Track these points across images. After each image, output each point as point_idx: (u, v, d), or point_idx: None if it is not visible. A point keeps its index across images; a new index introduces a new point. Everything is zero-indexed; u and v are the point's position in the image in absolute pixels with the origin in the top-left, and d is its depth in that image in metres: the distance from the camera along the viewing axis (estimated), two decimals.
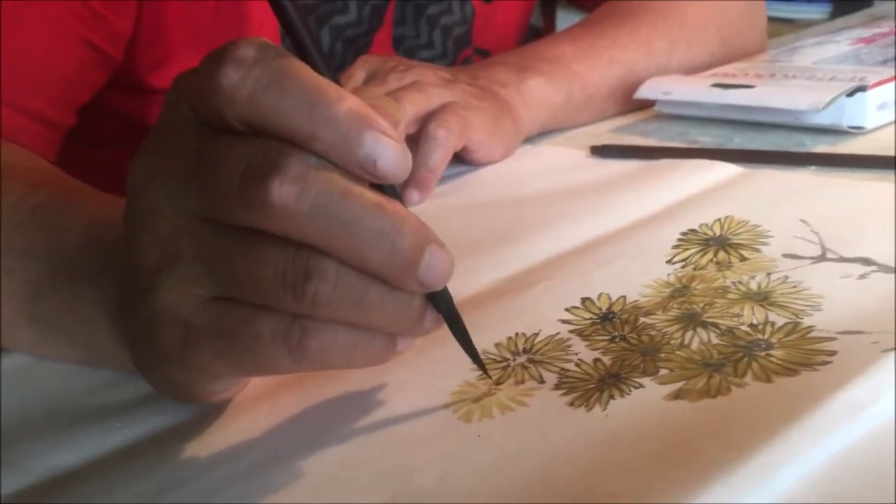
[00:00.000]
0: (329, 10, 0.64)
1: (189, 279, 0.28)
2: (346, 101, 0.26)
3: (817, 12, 1.36)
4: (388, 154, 0.26)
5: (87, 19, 0.54)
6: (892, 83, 0.56)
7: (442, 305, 0.30)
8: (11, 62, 0.52)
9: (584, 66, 0.64)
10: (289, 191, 0.25)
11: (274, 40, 0.68)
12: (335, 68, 0.31)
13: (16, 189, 0.40)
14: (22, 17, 0.52)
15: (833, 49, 0.67)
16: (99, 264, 0.35)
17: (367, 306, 0.27)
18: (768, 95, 0.58)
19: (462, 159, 0.57)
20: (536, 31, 0.93)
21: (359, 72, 0.57)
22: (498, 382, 0.33)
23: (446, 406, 0.32)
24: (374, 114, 0.27)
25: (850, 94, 0.55)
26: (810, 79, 0.59)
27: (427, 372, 0.34)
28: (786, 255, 0.40)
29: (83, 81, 0.57)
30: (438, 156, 0.53)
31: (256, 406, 0.33)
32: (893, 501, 0.25)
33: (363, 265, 0.27)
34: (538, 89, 0.61)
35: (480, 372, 0.34)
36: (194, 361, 0.29)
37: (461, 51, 0.73)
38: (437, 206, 0.52)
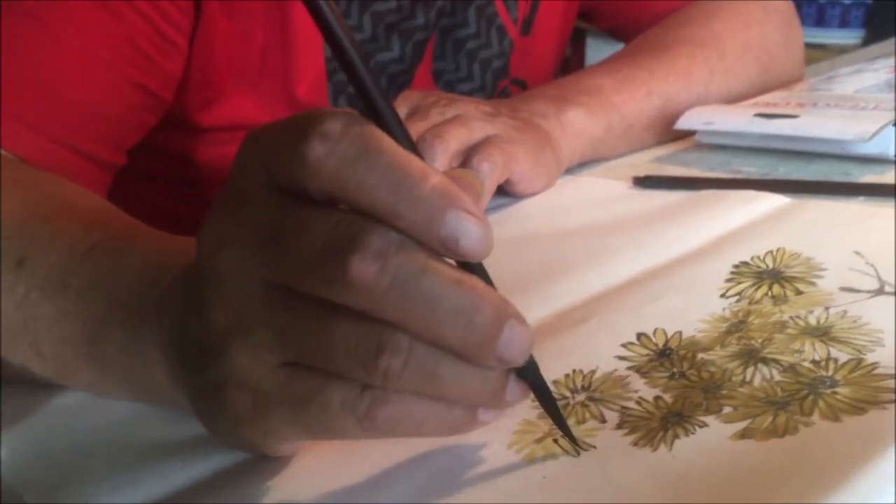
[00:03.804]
0: (373, 48, 0.65)
1: (260, 346, 0.28)
2: (430, 179, 0.26)
3: (851, 37, 1.36)
4: (472, 233, 0.26)
5: (138, 63, 0.55)
6: None
7: (529, 375, 0.29)
8: (64, 102, 0.53)
9: (623, 97, 0.64)
10: (369, 268, 0.25)
11: (319, 79, 0.69)
12: None
13: (73, 229, 0.41)
14: (74, 59, 0.53)
15: (872, 77, 0.67)
16: (156, 306, 0.35)
17: (441, 380, 0.27)
18: (813, 125, 0.57)
19: (504, 191, 0.58)
20: (566, 60, 0.94)
21: (402, 106, 0.58)
22: None
23: (508, 447, 0.32)
24: (458, 191, 0.27)
25: None
26: (853, 108, 0.59)
27: None
28: (843, 289, 0.40)
29: (134, 123, 0.58)
30: None
31: (322, 445, 0.33)
32: None
33: (439, 341, 0.27)
34: (578, 121, 0.61)
35: (540, 410, 0.33)
36: (263, 425, 0.29)
37: (499, 82, 0.73)
38: None
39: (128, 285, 0.37)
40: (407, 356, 0.26)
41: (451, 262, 0.27)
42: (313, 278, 0.26)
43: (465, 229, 0.26)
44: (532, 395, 0.30)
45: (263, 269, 0.27)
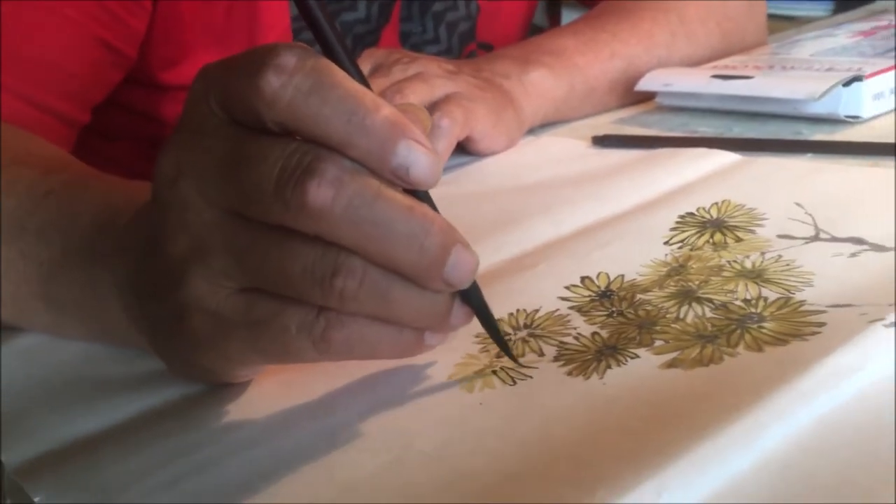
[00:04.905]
0: (338, 7, 0.66)
1: (219, 272, 0.29)
2: (382, 110, 0.27)
3: (819, 9, 1.37)
4: (421, 162, 0.28)
5: (102, 20, 0.56)
6: (889, 73, 0.57)
7: (473, 300, 0.31)
8: (27, 59, 0.54)
9: (586, 58, 0.65)
10: (325, 193, 0.26)
11: (285, 36, 0.69)
12: None
13: (30, 175, 0.41)
14: (38, 15, 0.54)
15: (832, 42, 0.68)
16: (111, 246, 0.36)
17: (393, 302, 0.28)
18: (766, 86, 0.59)
19: (465, 150, 0.58)
20: (540, 31, 0.95)
21: (365, 64, 0.58)
22: (499, 356, 0.34)
23: (449, 378, 0.33)
24: (408, 122, 0.28)
25: (847, 83, 0.56)
26: (808, 69, 0.61)
27: None
28: (780, 236, 0.41)
29: (98, 80, 0.58)
30: (442, 145, 0.54)
31: (266, 378, 0.34)
32: (877, 458, 0.26)
33: (392, 265, 0.28)
34: (540, 81, 0.62)
35: (482, 345, 0.35)
36: (222, 350, 0.30)
37: (465, 45, 0.74)
38: (439, 195, 0.52)
39: (83, 227, 0.37)
40: (361, 277, 0.27)
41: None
42: (270, 204, 0.27)
43: (416, 158, 0.27)
44: (475, 320, 0.31)
45: (221, 196, 0.28)
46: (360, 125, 0.27)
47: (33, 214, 0.39)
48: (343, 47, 0.29)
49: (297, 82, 0.27)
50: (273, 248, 0.28)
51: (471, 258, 0.29)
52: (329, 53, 0.29)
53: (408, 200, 0.28)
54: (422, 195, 0.29)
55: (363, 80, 0.29)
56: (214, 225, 0.29)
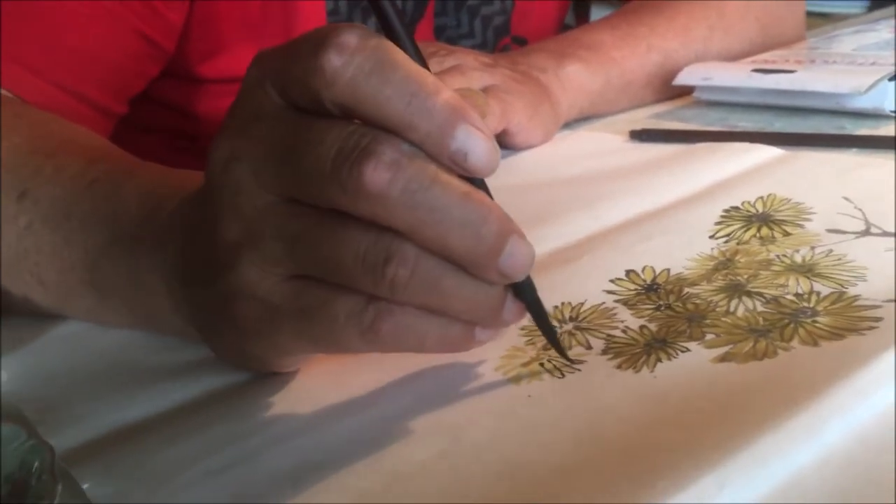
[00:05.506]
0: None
1: (270, 258, 0.28)
2: (442, 93, 0.27)
3: (855, 6, 1.35)
4: (479, 149, 0.27)
5: (141, 13, 0.56)
6: None
7: (526, 296, 0.30)
8: (67, 49, 0.54)
9: (623, 52, 0.64)
10: (381, 176, 0.26)
11: None
12: None
13: (75, 163, 0.41)
14: (79, 7, 0.54)
15: (873, 36, 0.67)
16: (157, 233, 0.36)
17: (444, 292, 0.28)
18: (809, 80, 0.58)
19: (501, 143, 0.58)
20: (569, 29, 0.94)
21: None
22: (546, 348, 0.34)
23: (496, 369, 0.33)
24: (468, 107, 0.27)
25: (892, 77, 0.55)
26: (851, 64, 0.60)
27: None
28: (829, 231, 0.41)
29: (136, 72, 0.58)
30: None
31: (313, 368, 0.34)
32: None
33: (446, 252, 0.27)
34: (577, 75, 0.62)
35: (529, 337, 0.34)
36: (270, 337, 0.30)
37: (500, 39, 0.74)
38: None
39: (128, 214, 0.37)
40: (414, 266, 0.27)
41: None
42: (326, 188, 0.27)
43: (474, 144, 0.27)
44: (528, 316, 0.31)
45: (276, 181, 0.28)
46: (420, 107, 0.27)
47: (78, 203, 0.39)
48: (405, 29, 0.29)
49: (358, 62, 0.27)
50: (326, 234, 0.28)
51: (527, 249, 0.28)
52: (390, 35, 0.29)
53: (465, 187, 0.27)
54: (478, 183, 0.29)
55: (423, 63, 0.29)
56: (267, 210, 0.28)
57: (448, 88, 0.27)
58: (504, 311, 0.29)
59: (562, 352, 0.32)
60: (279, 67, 0.28)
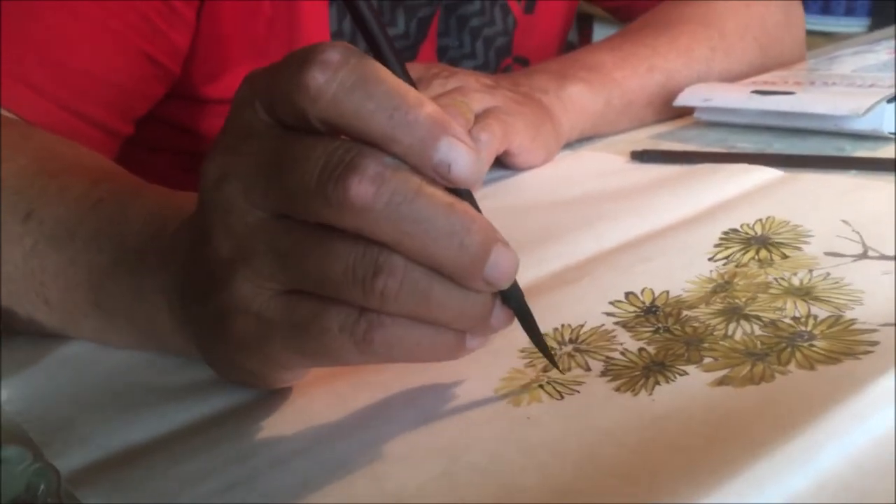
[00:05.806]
0: None
1: (263, 273, 0.29)
2: (424, 106, 0.27)
3: (856, 26, 1.36)
4: (462, 159, 0.28)
5: (146, 34, 0.57)
6: None
7: (513, 302, 0.30)
8: (72, 70, 0.54)
9: (624, 73, 0.65)
10: (366, 189, 0.27)
11: None
12: None
13: (80, 184, 0.42)
14: (82, 27, 0.54)
15: (872, 58, 0.68)
16: (160, 254, 0.36)
17: (433, 301, 0.28)
18: (808, 101, 0.58)
19: (503, 164, 0.59)
20: (572, 47, 0.95)
21: None
22: (545, 370, 0.34)
23: (496, 391, 0.33)
24: (450, 120, 0.28)
25: (892, 99, 0.55)
26: (850, 85, 0.60)
27: (476, 359, 0.35)
28: (827, 254, 0.41)
29: (142, 93, 0.59)
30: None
31: (314, 389, 0.34)
32: None
33: (432, 262, 0.28)
34: (578, 96, 0.62)
35: (528, 360, 0.35)
36: (265, 352, 0.30)
37: (502, 59, 0.74)
38: None
39: (133, 235, 0.38)
40: (402, 277, 0.28)
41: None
42: (313, 203, 0.27)
43: (457, 155, 0.28)
44: (515, 321, 0.31)
45: (265, 198, 0.29)
46: (402, 121, 0.27)
47: (83, 223, 0.40)
48: (389, 46, 0.30)
49: (341, 77, 0.27)
50: (315, 248, 0.28)
51: (511, 257, 0.29)
52: (375, 52, 0.29)
53: (448, 198, 0.28)
54: (464, 195, 0.29)
55: (408, 79, 0.29)
56: (258, 227, 0.29)
57: (430, 102, 0.28)
58: (492, 317, 0.30)
59: (549, 356, 0.33)
60: (266, 86, 0.29)
